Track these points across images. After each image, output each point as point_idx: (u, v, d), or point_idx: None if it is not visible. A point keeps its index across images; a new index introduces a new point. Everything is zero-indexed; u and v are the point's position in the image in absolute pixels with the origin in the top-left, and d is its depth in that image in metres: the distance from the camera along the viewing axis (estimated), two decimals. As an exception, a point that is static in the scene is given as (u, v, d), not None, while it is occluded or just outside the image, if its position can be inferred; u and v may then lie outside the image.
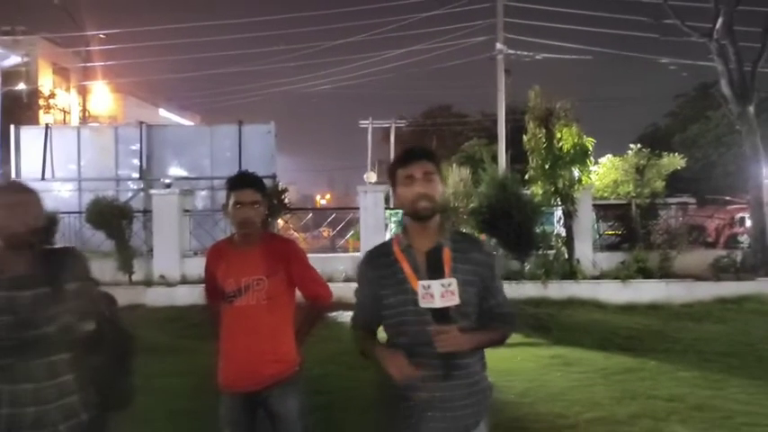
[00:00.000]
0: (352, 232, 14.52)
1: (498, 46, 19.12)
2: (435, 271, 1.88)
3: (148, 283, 10.65)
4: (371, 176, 25.43)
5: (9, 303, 2.05)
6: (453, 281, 1.87)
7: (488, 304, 2.06)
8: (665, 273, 10.46)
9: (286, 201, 11.28)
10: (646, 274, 10.34)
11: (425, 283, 1.87)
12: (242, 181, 2.80)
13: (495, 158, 18.14)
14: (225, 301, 2.78)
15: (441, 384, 1.93)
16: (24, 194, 2.10)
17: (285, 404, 2.75)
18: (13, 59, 14.99)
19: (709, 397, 5.15)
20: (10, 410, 2.05)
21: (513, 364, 6.32)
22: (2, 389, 2.04)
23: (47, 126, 15.92)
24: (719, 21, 11.73)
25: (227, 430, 2.79)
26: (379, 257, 2.09)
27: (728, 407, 4.90)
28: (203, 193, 14.12)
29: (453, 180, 11.15)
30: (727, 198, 15.70)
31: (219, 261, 2.85)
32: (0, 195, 2.07)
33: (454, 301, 1.85)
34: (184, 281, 10.65)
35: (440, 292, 1.84)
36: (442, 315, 1.86)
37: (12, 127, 14.76)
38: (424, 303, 1.87)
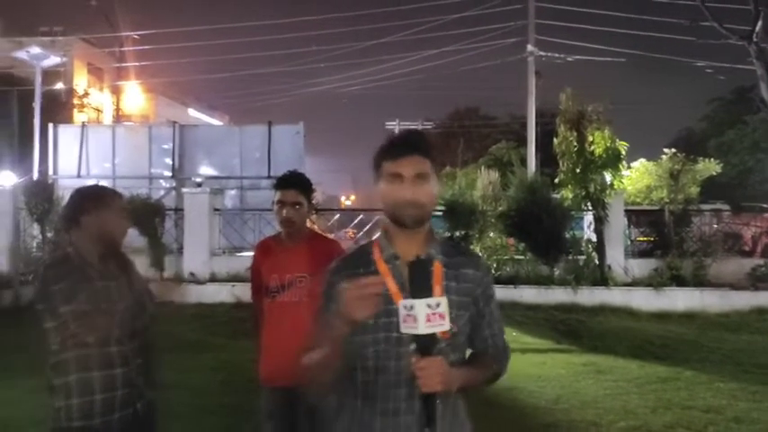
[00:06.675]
0: (378, 234, 14.47)
1: (529, 48, 18.94)
2: (420, 287, 1.47)
3: (178, 280, 10.80)
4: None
5: (107, 292, 2.19)
6: (443, 300, 1.47)
7: (482, 334, 1.70)
8: (699, 281, 10.21)
9: (314, 201, 11.36)
10: (679, 281, 10.11)
11: (408, 302, 1.46)
12: (287, 181, 2.87)
13: (523, 162, 17.98)
14: (268, 297, 2.85)
15: None
16: (125, 201, 2.34)
17: (325, 399, 2.78)
18: (53, 60, 15.36)
19: (747, 409, 5.01)
20: (105, 395, 2.15)
21: (544, 370, 6.24)
22: (95, 375, 2.15)
23: (83, 125, 16.31)
24: (759, 23, 11.44)
25: (267, 424, 2.84)
26: (357, 268, 1.65)
27: (768, 419, 4.76)
28: (232, 192, 14.27)
29: (482, 183, 11.07)
30: (764, 205, 15.26)
31: (265, 257, 2.93)
32: (121, 202, 2.30)
33: (443, 326, 1.45)
34: (213, 279, 10.78)
35: (424, 315, 1.43)
36: (426, 344, 1.46)
37: (50, 125, 15.14)
38: (404, 328, 1.46)
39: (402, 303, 1.48)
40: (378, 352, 1.58)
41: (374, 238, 1.77)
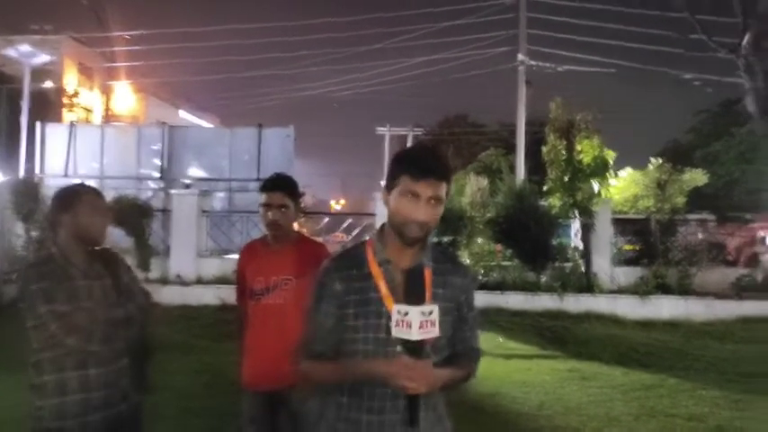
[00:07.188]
0: (367, 238, 14.52)
1: (520, 57, 19.07)
2: (414, 295, 1.54)
3: (164, 281, 10.72)
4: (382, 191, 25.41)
5: (89, 291, 2.18)
6: (435, 309, 1.55)
7: (462, 336, 1.76)
8: (684, 290, 10.30)
9: (302, 204, 11.35)
10: (665, 290, 10.19)
11: (402, 308, 1.52)
12: (273, 183, 2.85)
13: (512, 169, 18.09)
14: (252, 299, 2.82)
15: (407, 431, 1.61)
16: (104, 199, 2.31)
17: (307, 404, 2.76)
18: (42, 58, 15.26)
19: (729, 418, 5.05)
20: (80, 396, 2.13)
21: (529, 376, 6.26)
22: (70, 375, 2.12)
23: (71, 124, 16.19)
24: (746, 36, 11.62)
25: (249, 428, 2.80)
26: (350, 268, 1.70)
27: (750, 427, 4.80)
28: (221, 194, 14.22)
29: (470, 189, 11.13)
30: (749, 216, 15.44)
31: (251, 259, 2.91)
32: (97, 200, 2.27)
33: (433, 333, 1.53)
34: (200, 281, 10.72)
35: (418, 322, 1.50)
36: (415, 349, 1.53)
37: (38, 123, 15.02)
38: (396, 332, 1.52)
39: (396, 308, 1.54)
40: (366, 352, 1.63)
41: (367, 238, 1.81)
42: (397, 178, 1.67)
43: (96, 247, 2.29)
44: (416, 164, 1.65)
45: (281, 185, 2.83)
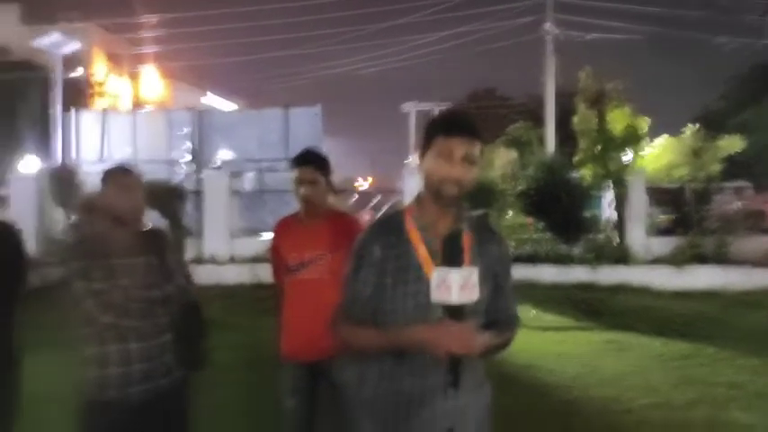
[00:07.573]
0: (410, 203, 14.51)
1: (547, 26, 18.66)
2: (454, 258, 1.54)
3: (198, 261, 10.94)
4: (415, 160, 25.16)
5: (126, 270, 2.21)
6: (475, 271, 1.55)
7: (500, 304, 1.77)
8: (720, 259, 10.10)
9: (332, 179, 11.42)
10: (700, 259, 10.01)
11: (442, 271, 1.53)
12: (303, 158, 2.85)
13: (541, 141, 17.85)
14: (288, 274, 2.85)
15: (449, 394, 1.61)
16: (136, 177, 2.33)
17: (346, 371, 2.81)
18: (71, 47, 15.48)
19: (770, 386, 4.98)
20: (121, 369, 2.19)
21: (565, 348, 6.25)
22: (110, 349, 2.18)
23: (103, 111, 16.53)
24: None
25: (289, 399, 2.87)
26: (389, 234, 1.70)
27: (792, 395, 4.72)
28: (251, 174, 14.39)
29: (500, 162, 11.05)
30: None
31: (285, 235, 2.93)
32: (120, 178, 2.29)
33: (474, 295, 1.54)
34: (233, 260, 10.91)
35: (458, 285, 1.51)
36: (456, 312, 1.53)
37: (71, 111, 15.37)
38: (437, 296, 1.54)
39: (437, 272, 1.54)
40: (406, 317, 1.63)
41: (405, 206, 1.80)
42: (431, 139, 1.68)
43: (141, 228, 2.33)
44: (450, 122, 1.68)
45: (311, 160, 2.84)
